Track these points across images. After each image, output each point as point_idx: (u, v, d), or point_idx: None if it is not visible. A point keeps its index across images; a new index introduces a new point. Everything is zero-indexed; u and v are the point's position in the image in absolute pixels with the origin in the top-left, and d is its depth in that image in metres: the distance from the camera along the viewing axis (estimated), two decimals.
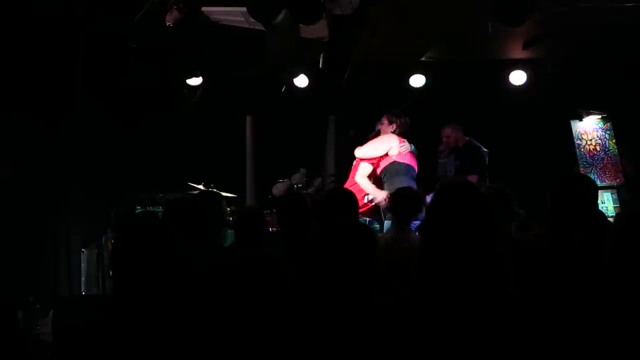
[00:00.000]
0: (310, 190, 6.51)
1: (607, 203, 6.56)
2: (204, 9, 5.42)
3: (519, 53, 6.84)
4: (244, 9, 5.09)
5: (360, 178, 5.97)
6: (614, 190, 6.66)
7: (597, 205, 3.01)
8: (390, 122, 6.01)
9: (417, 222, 5.21)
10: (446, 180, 6.02)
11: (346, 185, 5.91)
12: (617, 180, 6.74)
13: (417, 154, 6.06)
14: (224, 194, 5.90)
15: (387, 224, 5.38)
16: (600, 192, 5.87)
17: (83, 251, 6.19)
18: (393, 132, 6.00)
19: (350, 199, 3.94)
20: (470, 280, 1.88)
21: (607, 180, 6.75)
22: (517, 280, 1.94)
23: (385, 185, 5.83)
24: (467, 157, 6.32)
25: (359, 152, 6.03)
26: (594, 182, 3.16)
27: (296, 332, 2.02)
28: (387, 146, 5.88)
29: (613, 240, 2.19)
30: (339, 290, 2.24)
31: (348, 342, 2.10)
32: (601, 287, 2.16)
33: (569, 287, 2.36)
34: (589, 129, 6.97)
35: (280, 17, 4.97)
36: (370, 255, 2.33)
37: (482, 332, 1.83)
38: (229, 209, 5.27)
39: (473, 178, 6.20)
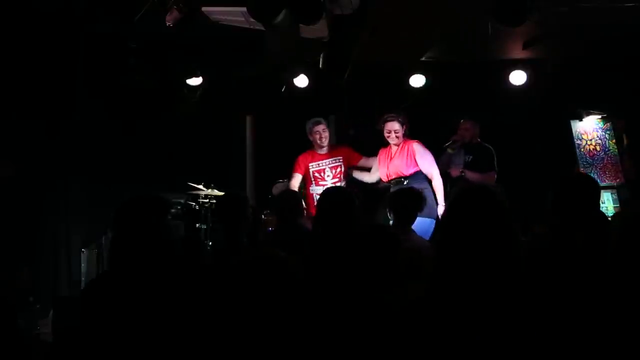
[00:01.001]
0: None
1: (607, 203, 6.55)
2: (204, 9, 5.41)
3: (519, 53, 6.83)
4: (244, 9, 5.09)
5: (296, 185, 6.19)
6: (614, 190, 6.65)
7: (598, 205, 3.00)
8: (402, 124, 5.98)
9: (422, 221, 5.23)
10: (465, 185, 6.04)
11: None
12: (617, 180, 6.72)
13: None
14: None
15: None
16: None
17: (83, 251, 6.19)
18: (404, 134, 6.00)
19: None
20: (486, 283, 1.89)
21: (607, 180, 6.74)
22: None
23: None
24: (480, 154, 6.30)
25: (439, 180, 5.86)
26: (595, 182, 3.13)
27: (302, 333, 2.01)
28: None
29: (615, 241, 2.19)
30: (357, 292, 2.24)
31: (353, 341, 2.10)
32: (602, 288, 2.15)
33: (569, 287, 2.35)
34: (589, 129, 6.96)
35: (280, 17, 4.97)
36: (394, 261, 2.33)
37: (496, 333, 1.84)
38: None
39: (491, 175, 6.19)
